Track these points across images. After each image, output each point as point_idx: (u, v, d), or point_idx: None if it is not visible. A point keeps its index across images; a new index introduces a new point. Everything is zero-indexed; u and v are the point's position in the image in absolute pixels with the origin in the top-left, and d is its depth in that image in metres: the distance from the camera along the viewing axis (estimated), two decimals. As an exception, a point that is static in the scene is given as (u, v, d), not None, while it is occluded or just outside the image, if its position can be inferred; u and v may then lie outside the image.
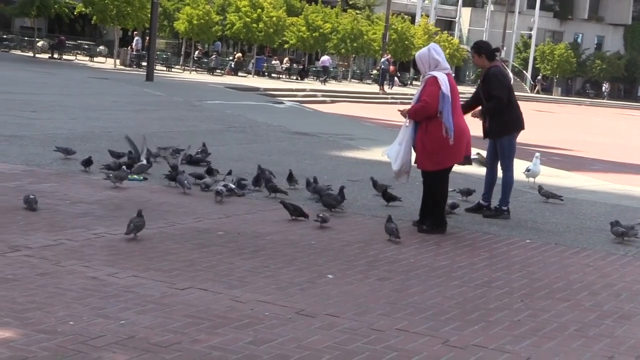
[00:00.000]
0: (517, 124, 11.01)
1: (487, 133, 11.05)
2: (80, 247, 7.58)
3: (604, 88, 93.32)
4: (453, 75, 9.99)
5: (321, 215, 9.46)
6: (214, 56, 59.93)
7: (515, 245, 9.43)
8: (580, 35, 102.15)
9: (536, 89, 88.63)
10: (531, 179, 13.54)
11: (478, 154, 12.13)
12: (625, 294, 7.57)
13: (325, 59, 62.99)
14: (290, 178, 11.62)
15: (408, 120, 9.68)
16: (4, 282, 6.35)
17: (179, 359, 5.07)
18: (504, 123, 10.86)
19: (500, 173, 11.09)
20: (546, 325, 6.42)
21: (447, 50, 73.31)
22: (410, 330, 6.00)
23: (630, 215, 12.22)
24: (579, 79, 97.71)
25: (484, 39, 12.71)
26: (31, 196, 8.98)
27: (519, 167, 11.58)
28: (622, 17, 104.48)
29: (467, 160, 10.01)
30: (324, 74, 60.65)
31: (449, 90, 9.30)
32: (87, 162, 11.65)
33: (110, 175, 10.86)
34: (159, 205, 9.55)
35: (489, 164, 11.23)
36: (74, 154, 12.64)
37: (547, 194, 12.31)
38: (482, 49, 10.98)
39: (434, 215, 9.69)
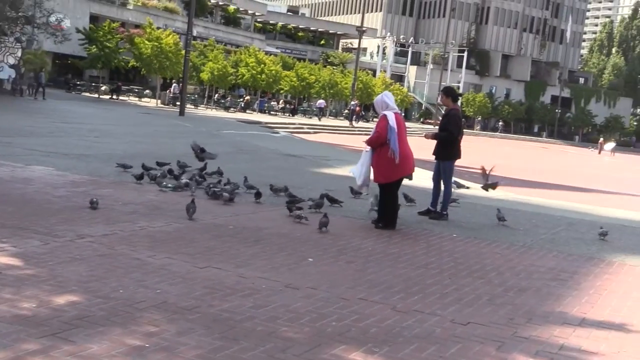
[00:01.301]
0: (457, 154, 11.11)
1: (435, 153, 11.12)
2: (129, 236, 7.54)
3: (499, 125, 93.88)
4: (403, 114, 10.08)
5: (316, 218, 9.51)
6: (229, 97, 59.96)
7: (445, 238, 9.43)
8: (494, 87, 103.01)
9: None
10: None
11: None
12: (523, 274, 7.58)
13: (321, 102, 63.33)
14: (271, 188, 11.48)
15: (367, 148, 9.78)
16: (73, 260, 6.31)
17: (199, 319, 5.04)
18: (449, 152, 10.97)
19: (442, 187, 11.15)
20: (466, 296, 6.42)
21: (399, 97, 73.52)
22: (369, 299, 5.99)
23: (527, 217, 12.29)
24: (492, 119, 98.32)
25: (446, 86, 12.74)
26: (94, 199, 8.95)
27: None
28: (523, 75, 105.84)
29: (410, 177, 10.06)
30: (320, 112, 61.10)
31: (395, 124, 9.43)
32: (140, 177, 11.60)
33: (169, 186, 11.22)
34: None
35: (435, 180, 11.25)
36: (130, 168, 12.59)
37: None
38: (450, 92, 11.13)
39: (387, 215, 9.71)
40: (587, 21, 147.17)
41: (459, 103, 11.86)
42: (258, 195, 10.85)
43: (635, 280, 7.86)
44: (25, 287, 5.39)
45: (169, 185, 11.30)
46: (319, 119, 58.71)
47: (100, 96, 51.38)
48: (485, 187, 12.24)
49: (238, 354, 4.44)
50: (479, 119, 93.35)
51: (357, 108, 63.05)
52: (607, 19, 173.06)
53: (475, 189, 15.33)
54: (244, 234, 8.25)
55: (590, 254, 9.19)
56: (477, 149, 43.41)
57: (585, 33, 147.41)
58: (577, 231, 11.18)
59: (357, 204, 11.36)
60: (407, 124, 10.17)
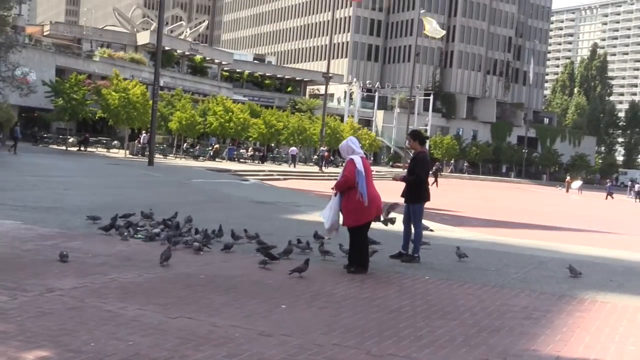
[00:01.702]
0: (426, 196, 11.15)
1: (404, 195, 11.16)
2: (99, 288, 7.46)
3: (464, 167, 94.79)
4: (371, 158, 10.16)
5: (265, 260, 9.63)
6: (197, 146, 59.97)
7: (418, 280, 9.44)
8: (461, 129, 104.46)
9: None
10: None
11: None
12: (496, 314, 7.61)
13: (293, 149, 63.41)
14: (233, 235, 11.40)
15: (335, 192, 9.80)
16: (42, 315, 6.22)
17: (172, 370, 4.99)
18: (418, 194, 11.01)
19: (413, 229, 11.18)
20: (440, 338, 6.42)
21: (367, 141, 74.12)
22: (343, 344, 5.97)
23: (498, 257, 12.36)
24: (461, 161, 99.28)
25: (414, 130, 12.92)
26: (64, 252, 8.86)
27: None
28: (489, 117, 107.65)
29: (378, 219, 10.09)
30: (292, 160, 61.18)
31: (362, 167, 9.51)
32: (108, 227, 11.52)
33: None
34: (157, 257, 9.44)
35: (405, 223, 11.27)
36: (99, 219, 12.49)
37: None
38: (417, 136, 11.20)
39: (358, 259, 9.71)
40: (548, 62, 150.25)
41: (426, 146, 11.97)
42: (227, 247, 10.76)
43: (607, 317, 7.92)
44: (-6, 344, 5.29)
45: (139, 235, 11.26)
46: (291, 166, 58.85)
47: (68, 148, 51.10)
48: (385, 222, 12.23)
49: (213, 404, 4.38)
50: (453, 162, 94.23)
51: (326, 153, 63.41)
52: (568, 60, 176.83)
53: (442, 231, 15.43)
54: (215, 283, 8.20)
55: (562, 292, 9.25)
56: (448, 192, 43.76)
57: (547, 74, 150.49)
58: (548, 269, 11.26)
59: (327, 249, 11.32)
60: (376, 168, 10.29)
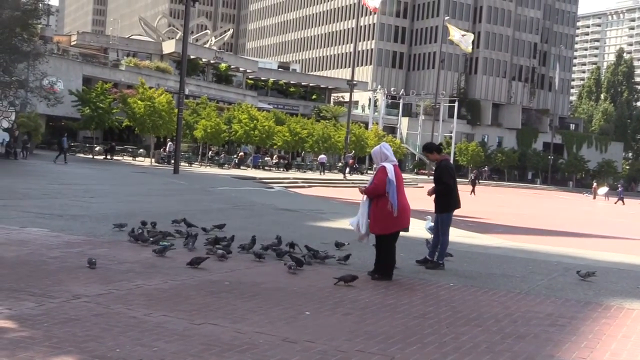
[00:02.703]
0: (455, 204, 11.13)
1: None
2: (125, 294, 7.51)
3: (484, 173, 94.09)
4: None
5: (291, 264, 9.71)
6: (222, 154, 60.19)
7: (442, 287, 9.40)
8: (486, 136, 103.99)
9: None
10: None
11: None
12: (521, 321, 7.56)
13: (322, 156, 63.45)
14: (266, 248, 11.30)
15: (365, 197, 9.75)
16: (69, 321, 6.28)
17: (196, 376, 5.01)
18: (446, 203, 10.99)
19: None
20: (464, 344, 6.39)
21: (392, 148, 73.64)
22: (366, 351, 5.96)
23: (523, 263, 12.27)
24: (487, 167, 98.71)
25: (429, 141, 12.89)
26: (92, 259, 8.96)
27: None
28: (514, 123, 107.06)
29: (406, 229, 9.97)
30: (322, 167, 61.23)
31: (394, 177, 9.44)
32: (136, 237, 11.61)
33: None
34: (182, 263, 9.49)
35: (435, 230, 11.27)
36: (125, 226, 12.60)
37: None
38: (433, 148, 11.18)
39: (384, 267, 9.68)
40: (574, 68, 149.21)
41: (444, 152, 11.91)
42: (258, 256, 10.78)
43: (634, 324, 7.84)
44: (20, 350, 5.35)
45: (163, 243, 11.33)
46: (321, 174, 58.98)
47: (95, 157, 51.58)
48: None
49: (236, 410, 4.39)
50: (485, 169, 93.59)
51: (351, 160, 63.40)
52: (594, 66, 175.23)
53: (467, 237, 15.33)
54: (240, 289, 8.23)
55: (587, 299, 9.17)
56: (473, 199, 43.54)
57: (573, 80, 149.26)
58: (574, 276, 11.14)
59: (352, 257, 11.32)
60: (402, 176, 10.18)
